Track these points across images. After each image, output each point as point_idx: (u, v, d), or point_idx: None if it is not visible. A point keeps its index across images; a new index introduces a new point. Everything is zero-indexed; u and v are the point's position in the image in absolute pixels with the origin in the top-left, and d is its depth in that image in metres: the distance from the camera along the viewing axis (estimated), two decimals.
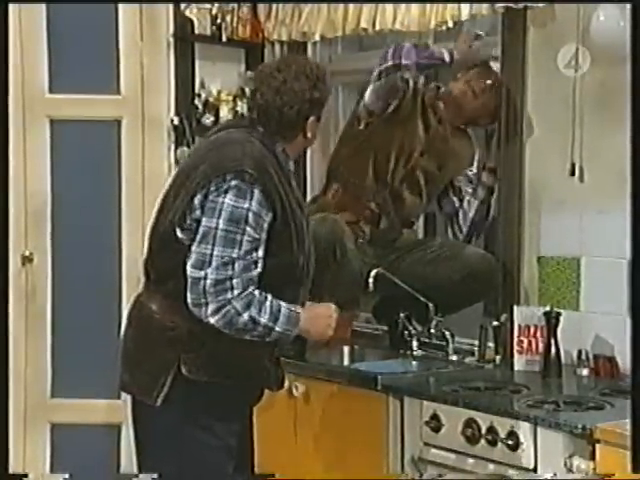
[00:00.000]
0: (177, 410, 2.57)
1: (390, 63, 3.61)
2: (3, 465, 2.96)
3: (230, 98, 4.23)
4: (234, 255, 2.50)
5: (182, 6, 4.12)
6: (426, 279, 3.57)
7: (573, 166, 3.37)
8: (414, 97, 3.66)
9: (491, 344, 3.48)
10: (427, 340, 3.64)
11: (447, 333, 3.56)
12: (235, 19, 4.25)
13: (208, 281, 2.49)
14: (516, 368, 3.36)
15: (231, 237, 2.50)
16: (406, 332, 3.65)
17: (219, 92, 4.21)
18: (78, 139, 4.03)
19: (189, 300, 2.52)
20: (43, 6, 3.96)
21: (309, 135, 2.66)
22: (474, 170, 3.72)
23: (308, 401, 3.41)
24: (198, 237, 2.52)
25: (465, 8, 3.54)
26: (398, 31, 3.80)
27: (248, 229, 2.51)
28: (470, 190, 3.68)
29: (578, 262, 3.40)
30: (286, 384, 3.38)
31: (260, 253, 2.54)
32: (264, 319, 2.54)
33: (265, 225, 2.54)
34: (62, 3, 3.95)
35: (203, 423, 2.60)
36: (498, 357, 3.46)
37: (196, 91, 4.17)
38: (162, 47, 4.09)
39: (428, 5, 3.67)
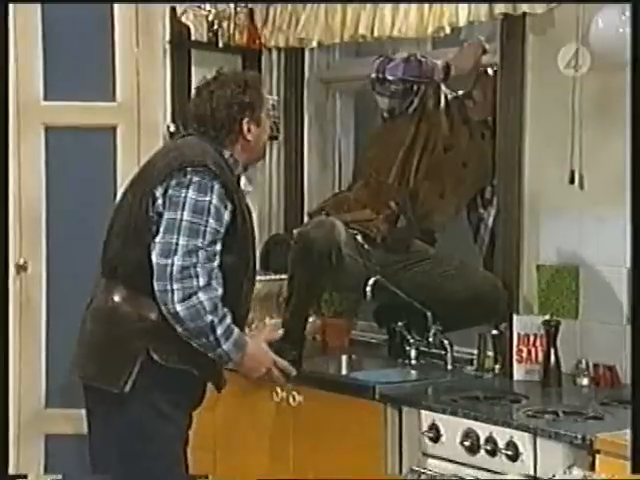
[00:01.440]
0: (141, 398, 2.68)
1: (374, 75, 3.60)
2: (3, 465, 3.01)
3: None
4: (199, 244, 2.65)
5: (178, 12, 4.14)
6: (430, 292, 3.55)
7: (572, 173, 3.38)
8: (436, 94, 3.64)
9: (490, 353, 3.49)
10: (426, 349, 3.65)
11: (446, 342, 3.57)
12: (232, 25, 4.27)
13: (175, 267, 2.62)
14: (515, 377, 3.36)
15: (195, 227, 2.66)
16: (404, 341, 3.66)
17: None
18: (73, 147, 4.03)
19: (155, 288, 2.64)
20: (38, 11, 3.97)
21: (249, 137, 2.83)
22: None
23: (305, 410, 3.41)
24: (162, 229, 2.67)
25: (463, 14, 3.55)
26: (396, 37, 3.82)
27: (210, 221, 2.67)
28: (485, 214, 3.66)
29: (577, 270, 3.40)
30: (283, 393, 3.42)
31: (218, 247, 2.69)
32: (219, 331, 2.67)
33: (224, 220, 2.70)
34: (60, 3, 3.96)
35: (166, 412, 2.72)
36: (497, 366, 3.46)
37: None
38: (158, 54, 4.10)
39: (426, 11, 3.68)
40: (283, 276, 3.78)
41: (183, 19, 4.15)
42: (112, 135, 4.02)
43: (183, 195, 2.67)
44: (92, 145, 4.02)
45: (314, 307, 3.70)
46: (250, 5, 4.32)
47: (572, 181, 3.38)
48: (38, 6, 3.97)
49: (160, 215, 2.69)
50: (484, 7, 3.48)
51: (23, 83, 3.97)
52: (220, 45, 4.22)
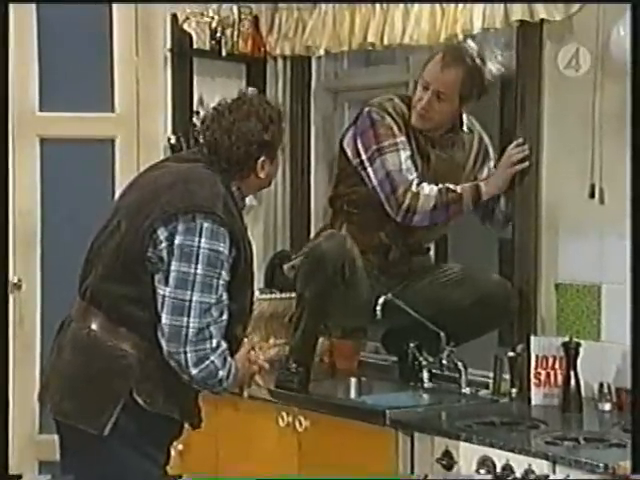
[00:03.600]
0: (123, 438, 2.61)
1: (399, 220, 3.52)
2: (3, 465, 3.01)
3: None
4: (212, 301, 2.57)
5: (180, 19, 4.14)
6: (438, 304, 3.56)
7: (593, 187, 3.36)
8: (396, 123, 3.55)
9: (507, 376, 3.46)
10: (439, 372, 3.62)
11: (460, 364, 3.54)
12: (236, 33, 4.27)
13: (191, 330, 2.54)
14: (533, 402, 3.34)
15: (209, 282, 2.56)
16: (416, 363, 3.64)
17: None
18: (70, 159, 4.03)
19: (166, 349, 2.55)
20: (34, 18, 3.97)
21: (261, 175, 2.74)
22: (492, 163, 3.67)
23: (312, 436, 3.39)
24: (172, 282, 2.55)
25: (477, 21, 3.54)
26: (407, 45, 3.81)
27: (223, 273, 2.59)
28: None
29: (599, 289, 3.39)
30: (289, 418, 3.40)
31: (226, 296, 2.61)
32: (227, 380, 2.63)
33: (229, 268, 2.61)
34: (58, 3, 3.96)
35: (148, 452, 2.66)
36: (514, 390, 3.44)
37: (194, 108, 4.18)
38: (159, 62, 4.11)
39: (438, 18, 3.68)
40: (289, 295, 3.77)
41: (185, 26, 4.15)
42: (110, 147, 4.03)
43: (196, 245, 2.55)
44: (89, 158, 4.02)
45: (323, 327, 3.68)
46: (255, 12, 4.33)
47: (592, 195, 3.37)
48: (34, 13, 3.98)
49: (161, 259, 2.56)
50: (499, 14, 3.48)
51: (18, 93, 3.98)
52: (223, 53, 4.23)
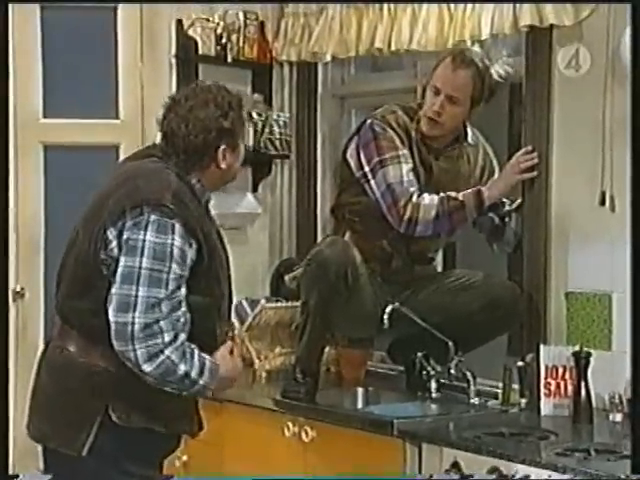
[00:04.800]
0: (102, 458, 2.55)
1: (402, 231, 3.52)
2: (3, 465, 2.99)
3: None
4: (161, 295, 2.48)
5: (185, 25, 4.14)
6: (445, 311, 3.56)
7: (603, 194, 3.35)
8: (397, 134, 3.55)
9: (516, 386, 3.45)
10: (447, 381, 3.61)
11: (468, 374, 3.53)
12: (241, 38, 4.27)
13: (136, 326, 2.46)
14: (543, 413, 3.33)
15: (156, 276, 2.48)
16: (424, 373, 3.63)
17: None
18: (74, 166, 4.03)
19: (116, 347, 2.49)
20: (38, 24, 3.98)
21: (223, 166, 2.66)
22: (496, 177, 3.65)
23: (318, 447, 3.37)
24: (118, 278, 2.49)
25: (486, 27, 3.53)
26: (415, 51, 3.81)
27: (174, 266, 2.50)
28: (508, 202, 3.61)
29: (610, 298, 3.37)
30: (295, 429, 3.39)
31: (183, 291, 2.54)
32: (194, 373, 2.54)
33: (188, 261, 2.54)
34: (60, 3, 3.96)
35: (129, 470, 2.59)
36: (523, 400, 3.42)
37: None
38: (164, 68, 4.11)
39: (446, 24, 3.67)
40: (295, 303, 3.76)
41: (190, 32, 4.15)
42: (115, 154, 4.02)
43: (141, 239, 2.48)
44: (94, 165, 4.00)
45: (329, 336, 3.67)
46: (261, 17, 4.33)
47: (603, 203, 3.36)
48: (38, 19, 3.99)
49: (115, 260, 2.51)
50: (508, 19, 3.47)
51: (21, 99, 3.98)
52: (229, 59, 4.22)
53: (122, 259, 2.50)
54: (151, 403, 2.58)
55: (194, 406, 2.74)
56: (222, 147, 2.64)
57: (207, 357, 2.57)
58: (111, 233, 2.52)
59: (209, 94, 2.64)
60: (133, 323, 2.46)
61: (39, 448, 2.72)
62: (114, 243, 2.52)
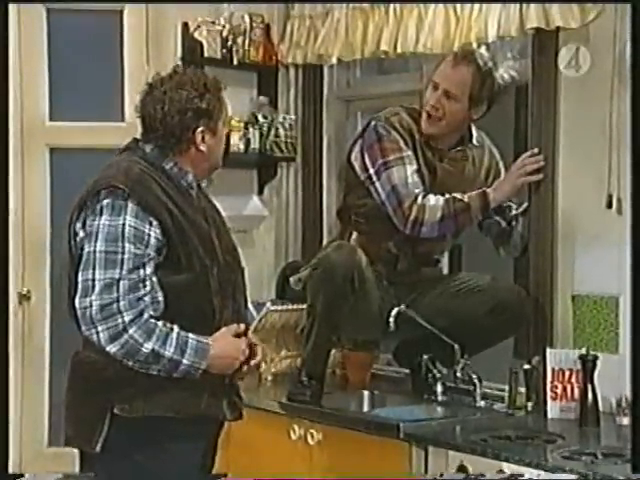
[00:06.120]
0: (116, 451, 2.58)
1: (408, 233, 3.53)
2: (3, 465, 3.03)
3: (241, 125, 4.24)
4: (116, 276, 2.51)
5: (191, 28, 4.15)
6: (451, 314, 3.56)
7: (610, 197, 3.35)
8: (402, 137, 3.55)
9: (522, 389, 3.44)
10: (453, 384, 3.61)
11: (474, 377, 3.53)
12: (247, 41, 4.28)
13: (94, 308, 2.50)
14: (550, 416, 3.33)
15: (111, 258, 2.52)
16: (430, 375, 3.63)
17: (230, 118, 4.21)
18: (80, 169, 4.00)
19: (83, 333, 2.53)
20: (44, 27, 3.98)
21: (202, 148, 2.68)
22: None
23: (324, 450, 3.38)
24: (81, 265, 2.55)
25: (492, 29, 3.53)
26: (421, 53, 3.81)
27: (127, 246, 2.53)
28: (515, 205, 3.61)
29: (616, 301, 3.37)
30: (301, 431, 3.39)
31: (148, 270, 2.55)
32: (169, 352, 2.53)
33: (152, 240, 2.56)
34: (61, 3, 3.97)
35: (148, 465, 2.60)
36: (530, 403, 3.42)
37: None
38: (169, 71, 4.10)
39: (452, 26, 3.67)
40: (300, 306, 3.76)
41: (196, 35, 4.16)
42: None
43: (96, 223, 2.54)
44: (100, 168, 4.00)
45: (335, 338, 3.67)
46: (266, 20, 4.34)
47: (610, 205, 3.35)
48: (44, 22, 3.99)
49: (82, 249, 2.57)
50: (515, 22, 3.47)
51: (27, 102, 3.98)
52: (235, 62, 4.23)
53: (85, 247, 2.56)
54: (153, 388, 2.57)
55: (212, 389, 2.66)
56: (200, 128, 2.66)
57: (192, 336, 2.57)
58: (77, 226, 2.60)
59: (184, 76, 2.68)
60: (91, 306, 2.51)
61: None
62: (80, 234, 2.59)
